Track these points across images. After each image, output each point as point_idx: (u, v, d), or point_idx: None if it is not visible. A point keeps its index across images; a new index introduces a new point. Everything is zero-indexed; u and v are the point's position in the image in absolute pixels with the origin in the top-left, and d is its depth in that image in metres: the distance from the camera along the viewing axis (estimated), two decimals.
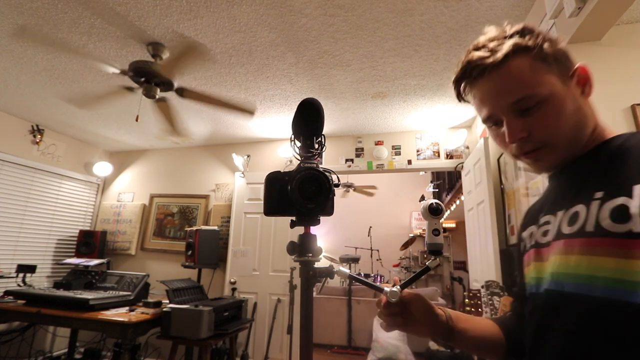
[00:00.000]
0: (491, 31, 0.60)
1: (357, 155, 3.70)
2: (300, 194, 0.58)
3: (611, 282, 0.45)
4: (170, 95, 2.41)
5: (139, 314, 2.44)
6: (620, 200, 0.47)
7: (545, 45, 0.57)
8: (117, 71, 2.18)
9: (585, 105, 0.60)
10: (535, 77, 0.56)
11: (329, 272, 0.66)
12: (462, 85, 0.64)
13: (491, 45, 0.57)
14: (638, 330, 0.42)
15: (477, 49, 0.59)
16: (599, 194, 0.50)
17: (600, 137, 0.59)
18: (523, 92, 0.55)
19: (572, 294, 0.49)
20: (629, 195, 0.46)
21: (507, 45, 0.56)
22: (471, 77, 0.60)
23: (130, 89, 2.33)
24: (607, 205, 0.48)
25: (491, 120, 0.61)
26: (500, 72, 0.57)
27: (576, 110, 0.58)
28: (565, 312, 0.50)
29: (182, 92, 2.38)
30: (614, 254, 0.45)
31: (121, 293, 2.75)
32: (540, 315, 0.55)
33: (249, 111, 2.49)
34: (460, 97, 0.66)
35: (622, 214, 0.45)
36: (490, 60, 0.56)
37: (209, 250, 3.30)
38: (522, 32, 0.57)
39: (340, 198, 7.14)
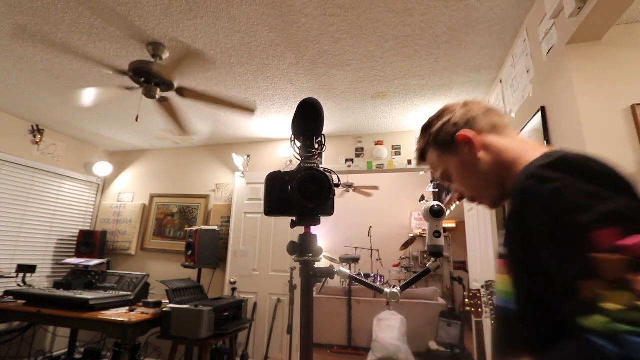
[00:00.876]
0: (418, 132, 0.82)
1: (357, 155, 3.70)
2: (300, 194, 0.58)
3: (505, 295, 0.60)
4: (171, 95, 2.41)
5: (139, 314, 2.43)
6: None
7: (434, 138, 0.78)
8: (117, 71, 2.18)
9: (485, 157, 0.71)
10: (438, 160, 0.76)
11: (329, 272, 0.66)
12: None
13: (417, 147, 0.81)
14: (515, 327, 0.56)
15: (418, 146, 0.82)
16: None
17: (516, 174, 0.65)
18: (441, 168, 0.76)
19: (499, 306, 0.63)
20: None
21: (422, 140, 0.80)
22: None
23: (130, 89, 2.33)
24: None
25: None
26: (426, 159, 0.79)
27: (473, 166, 0.71)
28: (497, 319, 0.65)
29: (182, 92, 2.38)
30: (499, 272, 0.61)
31: (121, 293, 2.75)
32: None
33: (249, 109, 2.49)
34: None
35: (502, 242, 0.61)
36: (418, 152, 0.80)
37: (209, 250, 3.30)
38: (424, 130, 0.81)
39: (340, 198, 7.14)
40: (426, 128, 0.80)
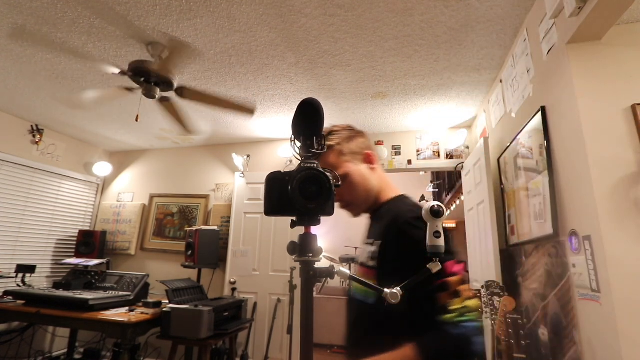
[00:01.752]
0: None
1: None
2: (300, 194, 0.57)
3: (364, 292, 0.84)
4: (170, 95, 2.40)
5: (138, 314, 2.43)
6: (371, 247, 0.88)
7: (345, 140, 0.98)
8: (117, 71, 2.18)
9: (374, 178, 0.99)
10: (339, 161, 0.95)
11: (329, 272, 0.66)
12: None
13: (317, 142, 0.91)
14: (372, 317, 0.82)
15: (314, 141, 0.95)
16: (370, 241, 0.91)
17: (384, 198, 0.98)
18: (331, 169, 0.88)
19: (356, 300, 0.88)
20: (372, 245, 0.88)
21: (329, 143, 0.95)
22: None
23: (130, 89, 2.33)
24: (367, 249, 0.90)
25: None
26: (323, 159, 0.95)
27: (366, 181, 0.97)
28: (352, 309, 0.91)
29: (181, 92, 2.38)
30: (365, 277, 0.84)
31: (121, 293, 2.75)
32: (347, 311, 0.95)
33: (248, 110, 2.48)
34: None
35: (371, 256, 0.87)
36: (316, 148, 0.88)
37: (209, 250, 3.30)
38: (329, 134, 0.97)
39: None
40: (336, 131, 0.98)
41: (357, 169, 0.95)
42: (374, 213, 0.98)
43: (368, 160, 0.98)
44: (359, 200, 0.96)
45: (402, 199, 0.97)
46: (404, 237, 0.80)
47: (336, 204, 0.81)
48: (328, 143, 0.93)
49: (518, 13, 1.87)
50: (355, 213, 0.97)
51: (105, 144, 4.27)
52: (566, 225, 1.57)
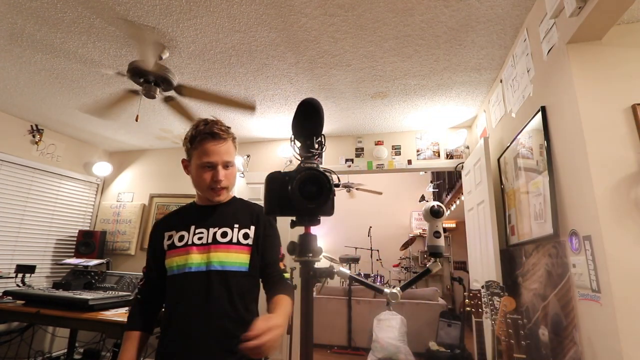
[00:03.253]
0: (219, 121, 1.16)
1: (357, 155, 3.69)
2: (300, 194, 0.57)
3: (226, 263, 1.11)
4: (171, 94, 2.41)
5: None
6: (244, 229, 1.17)
7: (235, 144, 1.20)
8: (114, 72, 2.18)
9: None
10: (234, 153, 1.18)
11: (329, 272, 0.66)
12: (199, 138, 1.12)
13: (224, 128, 1.16)
14: (227, 281, 1.08)
15: (215, 124, 1.14)
16: (236, 225, 1.16)
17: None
18: (231, 158, 1.15)
19: (219, 270, 1.09)
20: (232, 228, 1.16)
21: (230, 133, 1.17)
22: (210, 137, 1.12)
23: (134, 92, 2.33)
24: (240, 231, 1.15)
25: (209, 165, 1.12)
26: (224, 142, 1.14)
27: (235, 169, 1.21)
28: (215, 278, 1.08)
29: (181, 91, 2.38)
30: (233, 251, 1.12)
31: (121, 293, 2.75)
32: (199, 282, 1.08)
33: (249, 106, 2.48)
34: (191, 142, 1.14)
35: (226, 235, 1.14)
36: (224, 134, 1.14)
37: None
38: (228, 128, 1.17)
39: (340, 198, 7.13)
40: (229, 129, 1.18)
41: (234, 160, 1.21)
42: (230, 204, 1.23)
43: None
44: (230, 187, 1.19)
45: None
46: (267, 219, 1.21)
47: (222, 185, 1.13)
48: (231, 135, 1.16)
49: (518, 13, 1.87)
50: (222, 197, 1.17)
51: (105, 144, 4.27)
52: (566, 225, 1.57)
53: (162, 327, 1.11)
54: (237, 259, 1.11)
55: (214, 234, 1.13)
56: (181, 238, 1.13)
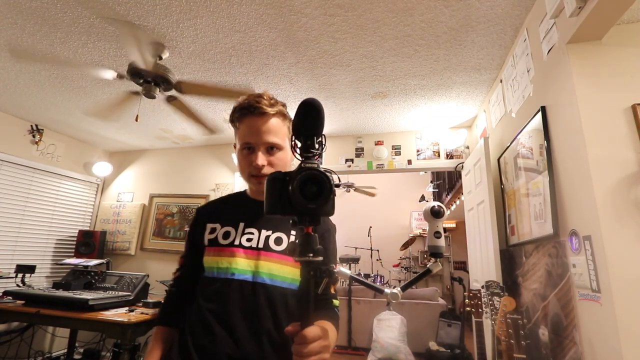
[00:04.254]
0: (266, 93, 0.96)
1: (357, 155, 3.69)
2: (301, 194, 0.57)
3: (276, 277, 0.92)
4: (172, 94, 2.41)
5: (138, 314, 2.43)
6: (287, 235, 0.97)
7: (288, 120, 0.99)
8: (114, 74, 2.18)
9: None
10: (283, 133, 0.96)
11: (329, 272, 0.66)
12: (238, 114, 0.94)
13: (268, 101, 0.94)
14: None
15: (258, 96, 0.94)
16: (293, 231, 0.96)
17: None
18: (276, 139, 0.93)
19: (268, 285, 0.90)
20: (288, 234, 0.96)
21: (278, 106, 0.96)
22: (249, 112, 0.92)
23: (136, 93, 2.33)
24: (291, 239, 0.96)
25: (248, 146, 0.93)
26: (266, 119, 0.93)
27: (287, 153, 0.98)
28: (261, 293, 0.89)
29: (181, 88, 2.37)
30: (287, 263, 0.92)
31: (121, 293, 2.75)
32: (242, 293, 0.89)
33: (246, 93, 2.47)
34: (232, 120, 0.98)
35: (280, 242, 0.95)
36: (267, 108, 0.92)
37: None
38: (284, 106, 0.99)
39: (340, 198, 7.13)
40: (285, 107, 1.00)
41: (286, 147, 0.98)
42: None
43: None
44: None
45: None
46: (332, 227, 1.11)
47: (264, 172, 0.91)
48: (278, 108, 0.96)
49: (518, 13, 1.87)
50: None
51: (105, 144, 4.27)
52: (566, 225, 1.57)
53: (188, 320, 0.93)
54: (290, 274, 0.91)
55: (267, 238, 0.93)
56: (227, 235, 0.94)
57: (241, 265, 0.89)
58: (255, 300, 0.87)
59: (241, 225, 0.94)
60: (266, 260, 0.90)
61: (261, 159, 0.90)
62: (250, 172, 0.92)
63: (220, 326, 0.85)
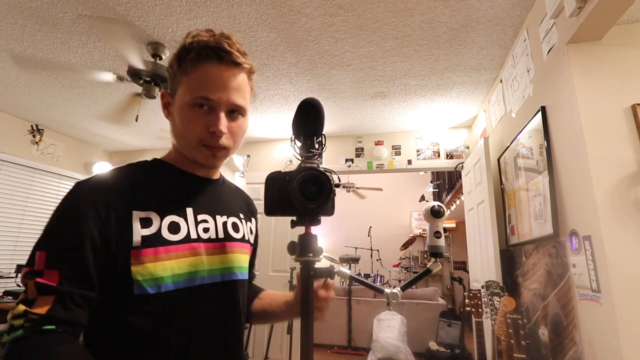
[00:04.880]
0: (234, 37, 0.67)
1: (357, 155, 3.70)
2: (301, 194, 0.57)
3: (244, 269, 0.77)
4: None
5: None
6: (249, 223, 0.86)
7: (253, 81, 0.72)
8: (114, 75, 2.18)
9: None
10: (248, 95, 0.70)
11: (329, 272, 0.66)
12: (195, 54, 0.64)
13: (240, 48, 0.66)
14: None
15: (227, 38, 0.65)
16: (242, 214, 0.81)
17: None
18: (243, 102, 0.67)
19: (240, 281, 0.75)
20: (239, 218, 0.80)
21: (249, 59, 0.68)
22: (209, 56, 0.63)
23: (139, 95, 2.32)
24: (246, 224, 0.83)
25: (205, 102, 0.64)
26: (236, 72, 0.65)
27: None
28: (232, 293, 0.72)
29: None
30: (246, 252, 0.80)
31: None
32: (214, 301, 0.69)
33: None
34: (180, 59, 0.66)
35: (238, 229, 0.78)
36: (241, 57, 0.65)
37: None
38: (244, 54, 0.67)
39: (340, 198, 7.13)
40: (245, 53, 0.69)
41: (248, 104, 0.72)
42: (218, 181, 0.79)
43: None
44: (234, 149, 0.72)
45: None
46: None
47: (222, 143, 0.67)
48: (249, 61, 0.68)
49: (518, 13, 1.87)
50: (220, 161, 0.71)
51: (105, 144, 4.27)
52: (566, 225, 1.57)
53: None
54: (246, 263, 0.79)
55: (224, 224, 0.73)
56: (175, 227, 0.64)
57: (208, 264, 0.67)
58: (232, 303, 0.70)
59: (189, 211, 0.67)
60: (232, 252, 0.72)
61: (224, 123, 0.65)
62: (203, 138, 0.66)
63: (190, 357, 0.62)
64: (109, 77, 2.25)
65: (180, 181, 0.71)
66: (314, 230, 0.61)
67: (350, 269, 6.05)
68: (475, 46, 2.15)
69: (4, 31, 2.11)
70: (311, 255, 0.59)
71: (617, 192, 1.35)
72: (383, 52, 2.25)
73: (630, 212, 1.33)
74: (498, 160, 2.51)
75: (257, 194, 3.69)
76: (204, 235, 0.68)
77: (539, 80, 1.84)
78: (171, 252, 0.62)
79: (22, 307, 0.51)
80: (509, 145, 2.27)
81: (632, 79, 1.46)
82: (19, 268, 2.95)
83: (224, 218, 0.74)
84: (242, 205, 0.84)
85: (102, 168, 4.20)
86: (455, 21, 1.94)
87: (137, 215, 0.61)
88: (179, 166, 0.74)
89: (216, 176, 0.78)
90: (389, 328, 3.83)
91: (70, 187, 0.61)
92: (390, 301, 0.63)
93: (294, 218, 0.61)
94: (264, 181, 0.63)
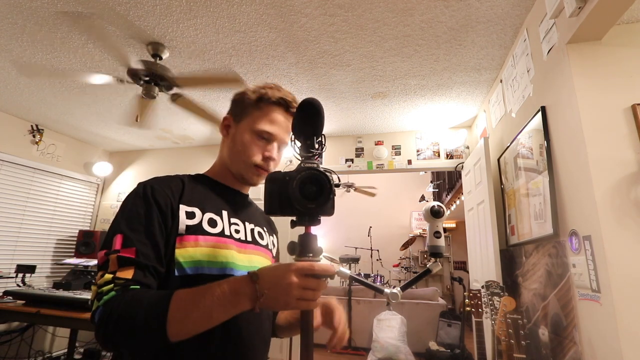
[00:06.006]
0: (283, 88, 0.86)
1: (357, 155, 3.69)
2: (301, 194, 0.57)
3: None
4: (176, 92, 2.40)
5: None
6: (271, 236, 0.95)
7: None
8: (114, 75, 2.17)
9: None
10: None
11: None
12: (267, 101, 0.82)
13: (296, 100, 0.83)
14: None
15: (291, 94, 0.85)
16: (265, 227, 0.92)
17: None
18: (288, 141, 0.84)
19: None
20: (263, 229, 0.91)
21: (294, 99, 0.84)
22: (282, 105, 0.82)
23: (150, 96, 2.32)
24: (270, 236, 0.93)
25: (267, 135, 0.82)
26: (291, 119, 0.79)
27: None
28: None
29: (179, 84, 2.36)
30: (269, 259, 0.88)
31: None
32: None
33: (232, 80, 2.47)
34: (254, 99, 0.83)
35: (262, 237, 0.89)
36: (295, 109, 0.76)
37: None
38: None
39: (340, 198, 7.14)
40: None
41: None
42: (247, 196, 0.94)
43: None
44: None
45: None
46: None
47: (271, 167, 0.83)
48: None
49: (518, 13, 1.87)
50: (261, 181, 0.82)
51: (105, 144, 4.27)
52: (566, 225, 1.57)
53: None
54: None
55: (252, 231, 0.85)
56: (213, 223, 0.76)
57: (238, 259, 0.76)
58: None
59: (224, 213, 0.80)
60: (257, 255, 0.83)
61: (276, 152, 0.83)
62: (257, 161, 0.81)
63: (226, 337, 0.70)
64: (106, 79, 2.25)
65: (217, 189, 0.85)
66: (314, 230, 0.61)
67: (350, 269, 6.05)
68: (475, 46, 2.15)
69: (4, 31, 2.11)
70: (311, 255, 0.59)
71: (617, 192, 1.35)
72: (383, 52, 2.25)
73: (630, 212, 1.33)
74: (498, 160, 2.51)
75: (257, 194, 3.68)
76: (236, 235, 0.80)
77: (539, 80, 1.84)
78: (209, 241, 0.73)
79: (109, 276, 0.61)
80: (509, 145, 2.27)
81: (632, 79, 1.46)
82: (19, 268, 2.95)
83: (252, 225, 0.86)
84: (266, 220, 0.96)
85: (102, 168, 4.20)
86: (455, 21, 1.93)
87: (183, 208, 0.74)
88: (218, 179, 0.87)
89: (246, 192, 0.92)
90: (389, 328, 3.83)
91: (135, 187, 0.76)
92: (390, 301, 0.63)
93: (294, 218, 0.61)
94: (263, 181, 0.63)
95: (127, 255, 0.63)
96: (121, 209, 0.70)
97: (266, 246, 0.87)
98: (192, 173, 0.87)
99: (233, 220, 0.81)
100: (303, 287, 0.57)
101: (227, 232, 0.77)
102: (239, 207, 0.86)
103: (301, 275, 0.58)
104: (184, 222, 0.72)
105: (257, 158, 0.81)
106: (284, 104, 0.82)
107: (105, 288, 0.60)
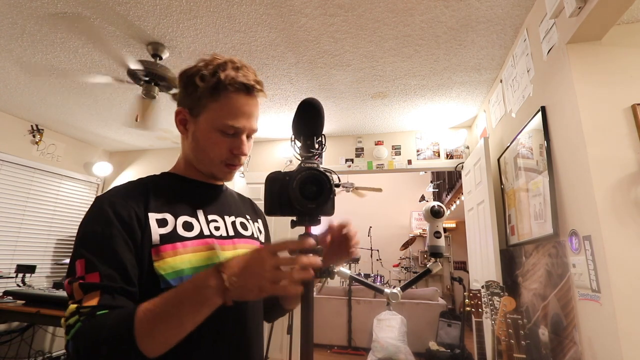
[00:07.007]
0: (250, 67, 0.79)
1: (357, 155, 3.69)
2: (301, 194, 0.57)
3: None
4: (172, 92, 2.40)
5: None
6: (255, 223, 0.89)
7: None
8: (113, 76, 2.17)
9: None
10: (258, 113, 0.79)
11: (329, 272, 0.66)
12: (223, 85, 0.71)
13: (258, 77, 0.78)
14: None
15: (249, 70, 0.78)
16: (248, 215, 0.87)
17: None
18: (257, 126, 0.77)
19: None
20: (246, 218, 0.86)
21: (262, 85, 0.77)
22: (241, 88, 0.73)
23: (150, 96, 2.32)
24: (254, 223, 0.87)
25: (233, 131, 0.72)
26: (256, 101, 0.76)
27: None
28: None
29: (174, 81, 2.36)
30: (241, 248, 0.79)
31: None
32: None
33: None
34: (216, 87, 0.72)
35: (246, 227, 0.83)
36: (259, 89, 0.76)
37: None
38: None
39: (340, 198, 7.13)
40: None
41: None
42: (222, 187, 0.86)
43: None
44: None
45: None
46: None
47: (243, 161, 0.77)
48: (262, 89, 0.79)
49: (518, 13, 1.87)
50: (233, 175, 0.81)
51: (105, 144, 4.27)
52: (566, 225, 1.57)
53: None
54: None
55: (233, 223, 0.79)
56: (189, 226, 0.71)
57: (223, 257, 0.70)
58: (246, 302, 0.73)
59: (200, 212, 0.74)
60: (243, 247, 0.77)
61: (246, 146, 0.74)
62: (227, 159, 0.74)
63: (217, 337, 0.67)
64: (106, 79, 2.25)
65: (188, 188, 0.79)
66: (314, 230, 0.61)
67: (350, 269, 6.05)
68: (475, 46, 2.15)
69: (4, 31, 2.11)
70: (311, 255, 0.59)
71: (617, 192, 1.35)
72: (383, 52, 2.25)
73: (630, 212, 1.33)
74: (498, 160, 2.51)
75: (257, 194, 3.69)
76: (216, 233, 0.74)
77: (539, 80, 1.84)
78: (188, 247, 0.68)
79: (73, 306, 0.56)
80: (509, 145, 2.27)
81: (632, 79, 1.46)
82: (19, 268, 2.95)
83: (232, 218, 0.80)
84: (247, 208, 0.90)
85: (102, 168, 4.20)
86: (455, 21, 1.93)
87: (153, 216, 0.67)
88: (186, 175, 0.81)
89: (219, 183, 0.85)
90: (389, 328, 3.83)
91: (92, 203, 0.67)
92: (390, 301, 0.63)
93: (294, 218, 0.61)
94: (264, 181, 0.63)
95: (90, 282, 0.57)
96: (79, 231, 0.64)
97: (251, 236, 0.82)
98: (158, 173, 0.84)
99: (211, 217, 0.75)
100: (276, 266, 0.53)
101: (206, 232, 0.72)
102: (214, 201, 0.80)
103: (272, 254, 0.53)
104: (156, 231, 0.66)
105: (225, 155, 0.74)
106: (245, 87, 0.73)
107: (71, 320, 0.55)
